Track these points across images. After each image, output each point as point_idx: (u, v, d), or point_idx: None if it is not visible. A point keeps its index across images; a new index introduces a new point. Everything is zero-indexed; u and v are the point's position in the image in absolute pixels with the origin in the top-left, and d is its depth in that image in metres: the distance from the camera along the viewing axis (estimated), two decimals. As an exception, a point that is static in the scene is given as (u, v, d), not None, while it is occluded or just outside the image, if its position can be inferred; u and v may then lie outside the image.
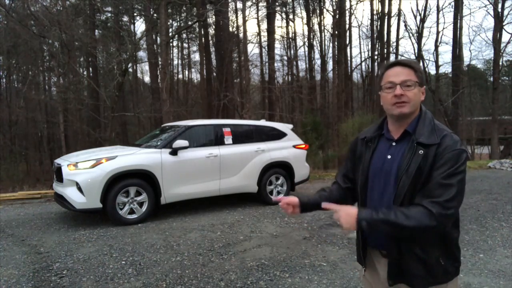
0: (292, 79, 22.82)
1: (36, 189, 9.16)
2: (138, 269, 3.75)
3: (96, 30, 18.97)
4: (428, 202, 1.35)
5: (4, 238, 4.91)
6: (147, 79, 25.79)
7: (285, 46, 24.87)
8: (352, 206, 1.48)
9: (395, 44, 21.09)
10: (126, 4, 17.20)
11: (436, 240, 1.43)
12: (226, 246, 4.47)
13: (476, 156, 21.08)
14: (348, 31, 21.25)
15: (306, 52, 22.94)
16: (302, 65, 24.70)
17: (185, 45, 26.55)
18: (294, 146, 7.23)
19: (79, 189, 5.22)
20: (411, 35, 21.35)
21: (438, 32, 20.20)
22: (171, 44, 21.58)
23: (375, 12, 21.21)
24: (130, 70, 20.05)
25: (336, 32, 19.66)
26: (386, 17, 19.87)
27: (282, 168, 6.97)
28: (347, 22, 20.74)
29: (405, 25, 33.05)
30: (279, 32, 23.98)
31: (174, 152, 5.86)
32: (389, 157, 1.51)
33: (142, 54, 21.77)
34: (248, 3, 19.82)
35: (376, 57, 21.02)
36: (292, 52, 24.15)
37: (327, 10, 21.62)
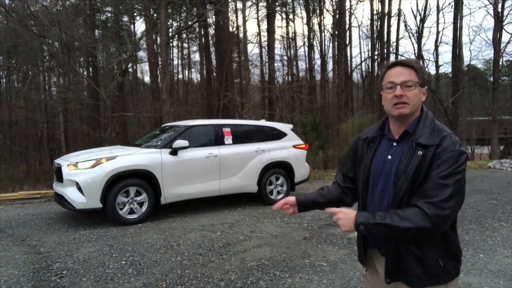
0: (292, 79, 22.83)
1: (36, 189, 9.15)
2: (138, 269, 3.75)
3: (96, 30, 18.97)
4: (423, 203, 1.35)
5: (4, 238, 4.91)
6: (147, 79, 25.83)
7: (285, 46, 24.91)
8: (351, 209, 1.49)
9: (395, 44, 21.11)
10: (126, 4, 17.21)
11: (436, 241, 1.43)
12: (226, 246, 4.47)
13: (476, 156, 21.07)
14: (348, 31, 21.26)
15: (306, 52, 22.98)
16: (302, 65, 24.74)
17: (185, 45, 26.57)
18: (294, 146, 7.24)
19: (79, 189, 5.22)
20: (411, 35, 21.39)
21: (438, 32, 20.22)
22: (171, 44, 21.58)
23: (375, 12, 21.24)
24: (130, 70, 20.05)
25: (336, 32, 19.66)
26: (386, 17, 19.87)
27: (282, 168, 6.97)
28: (347, 22, 20.76)
29: (405, 25, 33.14)
30: (279, 32, 24.02)
31: (174, 152, 5.86)
32: (389, 157, 1.51)
33: (142, 54, 21.80)
34: (248, 3, 19.84)
35: (376, 57, 21.02)
36: (292, 52, 24.20)
37: (327, 10, 21.66)
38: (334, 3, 20.18)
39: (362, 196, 1.58)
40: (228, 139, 6.54)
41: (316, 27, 22.35)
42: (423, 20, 20.19)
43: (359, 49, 53.65)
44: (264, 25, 22.33)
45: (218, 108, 16.26)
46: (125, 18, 22.14)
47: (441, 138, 1.42)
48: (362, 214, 1.44)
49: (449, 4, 22.81)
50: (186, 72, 28.52)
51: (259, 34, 22.22)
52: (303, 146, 7.46)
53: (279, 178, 6.94)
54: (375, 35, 21.40)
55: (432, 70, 24.70)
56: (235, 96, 15.76)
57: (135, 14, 21.61)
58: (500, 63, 20.36)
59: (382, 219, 1.37)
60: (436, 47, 20.37)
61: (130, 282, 3.45)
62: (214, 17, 17.20)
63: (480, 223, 5.37)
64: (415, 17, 28.86)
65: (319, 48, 22.25)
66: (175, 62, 25.59)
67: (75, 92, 15.19)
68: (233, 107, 16.10)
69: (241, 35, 18.85)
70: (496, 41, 18.02)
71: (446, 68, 29.72)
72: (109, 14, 19.91)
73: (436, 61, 20.48)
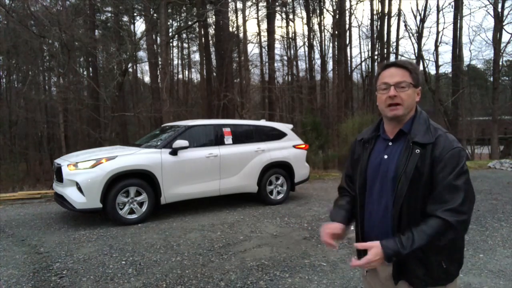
0: (292, 79, 22.82)
1: (36, 189, 9.15)
2: (138, 269, 3.75)
3: (96, 30, 18.97)
4: (443, 212, 1.36)
5: (4, 238, 4.91)
6: (147, 79, 25.82)
7: (285, 46, 24.91)
8: (374, 244, 1.42)
9: (395, 44, 21.11)
10: (126, 4, 17.20)
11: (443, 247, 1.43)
12: (226, 246, 4.47)
13: (476, 156, 21.07)
14: (348, 31, 21.26)
15: (306, 52, 22.97)
16: (302, 65, 24.74)
17: (185, 45, 26.59)
18: (294, 146, 7.23)
19: (79, 189, 5.22)
20: (411, 35, 21.40)
21: (438, 32, 20.21)
22: (171, 44, 21.59)
23: (375, 12, 21.23)
24: (130, 70, 20.06)
25: (336, 32, 19.67)
26: (386, 17, 19.87)
27: (282, 168, 6.97)
28: (347, 22, 20.75)
29: (405, 25, 33.07)
30: (279, 32, 24.00)
31: (174, 152, 5.86)
32: (385, 157, 1.52)
33: (142, 54, 21.81)
34: (248, 3, 19.83)
35: (376, 57, 21.01)
36: (292, 52, 24.19)
37: (327, 10, 21.65)
38: (334, 3, 20.20)
39: (360, 197, 1.58)
40: (228, 139, 6.54)
41: (316, 27, 22.37)
42: (423, 20, 20.21)
43: (359, 49, 53.70)
44: (264, 25, 22.35)
45: (218, 108, 16.26)
46: (125, 18, 22.15)
47: (437, 136, 1.43)
48: (389, 245, 1.37)
49: (449, 4, 22.82)
50: (186, 72, 28.57)
51: (259, 34, 22.23)
52: (303, 146, 7.46)
53: (279, 178, 6.94)
54: (375, 35, 21.40)
55: (432, 70, 24.75)
56: (235, 96, 15.76)
57: (135, 14, 21.63)
58: (500, 63, 20.39)
59: (411, 246, 1.35)
60: (436, 47, 20.39)
61: (130, 282, 3.45)
62: (214, 17, 17.20)
63: (480, 223, 5.37)
64: (415, 17, 28.86)
65: (319, 48, 22.28)
66: (175, 62, 25.64)
67: (75, 92, 15.21)
68: (233, 107, 16.09)
69: (241, 35, 18.88)
70: (496, 41, 18.02)
71: (446, 68, 29.73)
72: (109, 14, 19.92)
73: (436, 61, 20.49)
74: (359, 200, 1.59)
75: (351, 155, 1.71)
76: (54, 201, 6.22)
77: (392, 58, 20.05)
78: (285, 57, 24.31)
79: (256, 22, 25.14)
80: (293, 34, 24.32)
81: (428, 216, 1.40)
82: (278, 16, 22.52)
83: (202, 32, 19.04)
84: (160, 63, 14.48)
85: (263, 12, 21.50)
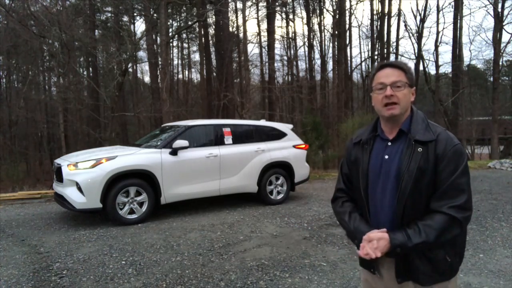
0: (292, 79, 22.82)
1: (36, 189, 9.15)
2: (138, 269, 3.75)
3: (96, 30, 18.97)
4: (449, 208, 1.39)
5: (4, 238, 4.91)
6: (147, 79, 25.83)
7: (285, 46, 24.92)
8: (374, 231, 1.43)
9: (395, 44, 21.13)
10: (126, 4, 17.21)
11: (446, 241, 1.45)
12: (226, 246, 4.47)
13: (476, 156, 21.07)
14: (348, 31, 21.26)
15: (306, 52, 22.98)
16: (302, 65, 24.75)
17: (185, 45, 26.59)
18: (294, 146, 7.24)
19: (79, 189, 5.22)
20: (411, 35, 21.42)
21: (438, 32, 20.23)
22: (171, 44, 21.59)
23: (375, 12, 21.25)
24: (130, 70, 20.06)
25: (336, 32, 19.67)
26: (386, 17, 19.88)
27: (282, 168, 6.97)
28: (347, 22, 20.76)
29: (405, 25, 33.13)
30: (279, 32, 24.02)
31: (174, 152, 5.86)
32: (386, 157, 1.52)
33: (142, 54, 21.80)
34: (248, 3, 19.84)
35: (376, 57, 21.02)
36: (292, 52, 24.19)
37: (327, 10, 21.66)
38: (334, 3, 20.21)
39: (364, 198, 1.58)
40: (228, 139, 6.54)
41: (316, 27, 22.38)
42: (423, 20, 20.23)
43: (359, 49, 53.73)
44: (264, 25, 22.36)
45: (218, 108, 16.26)
46: (125, 18, 22.16)
47: (438, 134, 1.45)
48: (396, 236, 1.40)
49: (449, 4, 22.85)
50: (186, 72, 28.57)
51: (259, 34, 22.24)
52: (303, 146, 7.46)
53: (279, 178, 6.94)
54: (375, 35, 21.41)
55: (432, 70, 24.79)
56: (235, 96, 15.76)
57: (135, 14, 21.63)
58: (500, 63, 20.38)
59: (418, 239, 1.37)
60: (436, 47, 20.39)
61: (130, 282, 3.45)
62: (214, 17, 17.21)
63: (480, 223, 5.37)
64: (415, 17, 28.93)
65: (319, 48, 22.29)
66: (175, 62, 25.65)
67: (75, 92, 15.20)
68: (233, 107, 16.10)
69: (241, 35, 18.88)
70: (496, 41, 18.03)
71: (446, 68, 29.75)
72: (109, 14, 19.93)
73: (436, 61, 20.49)
74: (364, 202, 1.58)
75: (347, 157, 1.70)
76: (54, 201, 6.23)
77: (392, 58, 20.06)
78: (285, 57, 24.35)
79: (256, 22, 25.16)
80: (293, 34, 24.36)
81: (433, 212, 1.41)
82: (278, 16, 22.56)
83: (202, 32, 19.04)
84: (160, 63, 14.48)
85: (263, 12, 21.53)
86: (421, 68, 21.01)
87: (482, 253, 4.15)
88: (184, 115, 16.58)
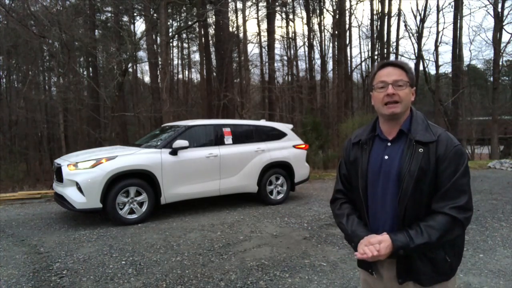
0: (292, 79, 22.82)
1: (36, 189, 9.15)
2: (138, 269, 3.75)
3: (96, 30, 18.98)
4: (450, 209, 1.39)
5: (4, 238, 4.91)
6: (147, 79, 25.82)
7: (285, 46, 24.92)
8: (373, 235, 1.43)
9: (395, 44, 21.13)
10: (126, 4, 17.19)
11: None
12: (226, 246, 4.47)
13: (476, 156, 21.06)
14: (348, 31, 21.27)
15: (306, 52, 22.98)
16: (302, 65, 24.76)
17: (185, 45, 26.59)
18: (294, 146, 7.24)
19: (79, 189, 5.22)
20: (411, 35, 21.42)
21: (438, 32, 20.22)
22: (171, 44, 21.58)
23: (375, 12, 21.25)
24: (130, 70, 20.05)
25: (336, 32, 19.67)
26: (386, 17, 19.88)
27: (282, 168, 6.97)
28: (347, 22, 20.76)
29: (405, 25, 33.15)
30: (279, 32, 24.03)
31: (174, 152, 5.86)
32: (386, 157, 1.51)
33: (142, 54, 21.79)
34: (248, 3, 19.85)
35: (376, 57, 21.02)
36: (292, 52, 24.20)
37: (327, 10, 21.66)
38: (334, 3, 20.20)
39: (364, 199, 1.57)
40: (228, 139, 6.54)
41: (316, 27, 22.38)
42: (423, 20, 20.22)
43: (359, 49, 53.73)
44: (264, 25, 22.37)
45: (218, 108, 16.26)
46: (125, 18, 22.14)
47: (438, 135, 1.45)
48: (398, 237, 1.39)
49: (449, 4, 22.83)
50: (186, 72, 28.57)
51: (259, 34, 22.24)
52: (303, 146, 7.46)
53: (279, 178, 6.94)
54: (375, 35, 21.41)
55: (432, 70, 24.79)
56: (235, 96, 15.76)
57: (135, 14, 21.62)
58: (500, 63, 20.37)
59: (420, 239, 1.37)
60: (436, 47, 20.39)
61: (130, 282, 3.45)
62: (214, 17, 17.21)
63: (480, 223, 5.37)
64: (415, 17, 28.94)
65: (319, 48, 22.29)
66: (175, 62, 25.65)
67: (75, 92, 15.19)
68: (233, 107, 16.10)
69: (241, 35, 18.89)
70: (496, 41, 18.03)
71: (446, 68, 29.75)
72: (109, 14, 19.90)
73: (436, 61, 20.49)
74: (363, 202, 1.57)
75: (345, 157, 1.69)
76: (54, 201, 6.23)
77: (392, 58, 20.05)
78: (285, 57, 24.35)
79: (256, 22, 25.17)
80: (293, 34, 24.37)
81: (434, 213, 1.41)
82: (278, 16, 22.57)
83: (202, 32, 19.05)
84: (160, 63, 14.48)
85: (263, 12, 21.54)
86: (421, 68, 21.02)
87: (482, 253, 4.15)
88: (184, 115, 16.58)
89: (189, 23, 20.49)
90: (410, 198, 1.43)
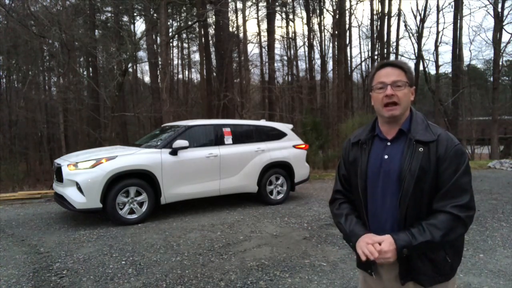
0: (292, 79, 22.83)
1: (36, 189, 9.15)
2: (138, 269, 3.75)
3: (96, 30, 18.97)
4: (452, 207, 1.39)
5: (4, 238, 4.91)
6: (147, 79, 25.85)
7: (285, 46, 24.93)
8: (373, 235, 1.43)
9: (395, 44, 21.13)
10: (126, 4, 17.19)
11: None
12: (226, 246, 4.47)
13: (476, 156, 21.06)
14: (348, 31, 21.27)
15: (306, 52, 22.99)
16: (302, 65, 24.77)
17: (185, 45, 26.59)
18: (294, 146, 7.24)
19: (79, 189, 5.22)
20: (411, 35, 21.42)
21: (438, 32, 20.24)
22: (171, 44, 21.58)
23: (375, 12, 21.25)
24: (130, 70, 20.06)
25: (336, 32, 19.66)
26: (386, 17, 19.89)
27: (282, 168, 6.97)
28: (347, 22, 20.76)
29: (405, 25, 33.18)
30: (279, 32, 24.11)
31: (174, 152, 5.86)
32: (386, 157, 1.51)
33: (142, 54, 21.80)
34: (248, 3, 19.86)
35: (376, 57, 21.02)
36: (292, 52, 24.20)
37: (327, 10, 21.66)
38: (334, 3, 20.19)
39: (363, 199, 1.57)
40: (228, 139, 6.54)
41: (316, 27, 22.39)
42: (423, 20, 20.22)
43: (359, 49, 53.79)
44: (264, 25, 22.38)
45: (218, 108, 16.26)
46: (125, 18, 22.15)
47: (438, 134, 1.45)
48: (400, 237, 1.39)
49: (449, 4, 22.86)
50: (186, 72, 28.58)
51: (259, 34, 22.25)
52: (303, 146, 7.46)
53: (279, 178, 6.94)
54: (375, 35, 21.41)
55: (432, 70, 24.78)
56: (235, 96, 15.76)
57: (135, 14, 21.61)
58: (500, 63, 20.37)
59: (423, 237, 1.37)
60: (436, 47, 20.41)
61: (130, 282, 3.45)
62: (214, 17, 17.19)
63: (480, 223, 5.37)
64: (415, 17, 28.96)
65: (319, 48, 22.29)
66: (175, 62, 25.65)
67: (75, 92, 15.21)
68: (233, 107, 16.10)
69: (241, 35, 18.89)
70: (496, 41, 18.03)
71: (446, 68, 29.79)
72: (109, 14, 19.91)
73: (436, 61, 20.50)
74: (362, 202, 1.57)
75: (345, 157, 1.69)
76: (54, 201, 6.23)
77: (392, 58, 20.05)
78: (285, 57, 24.36)
79: (256, 22, 25.19)
80: (293, 34, 24.38)
81: (436, 212, 1.41)
82: (278, 16, 22.57)
83: (202, 32, 19.04)
84: (160, 63, 14.48)
85: (263, 12, 21.55)
86: (421, 68, 21.02)
87: (482, 253, 4.15)
88: (184, 115, 16.57)
89: (189, 23, 20.49)
90: (411, 198, 1.42)
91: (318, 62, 23.18)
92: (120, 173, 5.39)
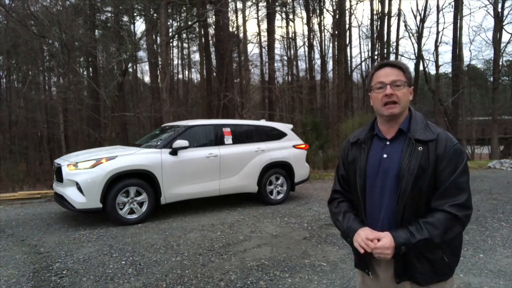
0: (292, 79, 22.82)
1: (36, 189, 9.15)
2: (138, 269, 3.75)
3: (96, 30, 18.97)
4: (449, 206, 1.39)
5: (4, 238, 4.91)
6: (147, 79, 25.84)
7: (285, 46, 24.92)
8: (371, 231, 1.44)
9: (395, 44, 21.13)
10: (126, 4, 17.19)
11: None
12: (226, 246, 4.47)
13: (476, 156, 21.06)
14: (348, 31, 21.27)
15: (306, 52, 23.00)
16: (302, 65, 24.77)
17: (185, 45, 26.59)
18: (294, 146, 7.24)
19: (79, 189, 5.22)
20: (411, 35, 21.41)
21: (438, 32, 20.23)
22: (171, 44, 21.58)
23: (375, 12, 21.25)
24: (130, 70, 20.06)
25: (336, 32, 19.67)
26: (386, 17, 19.89)
27: (282, 168, 6.97)
28: (347, 22, 20.77)
29: (405, 25, 33.17)
30: (279, 32, 24.15)
31: (174, 152, 5.86)
32: (385, 156, 1.52)
33: (142, 54, 21.81)
34: (248, 3, 19.85)
35: (376, 57, 21.02)
36: (292, 52, 24.20)
37: (327, 10, 21.67)
38: (334, 3, 20.20)
39: (361, 197, 1.57)
40: (228, 139, 6.54)
41: (316, 27, 22.40)
42: (423, 20, 20.22)
43: (359, 49, 53.81)
44: (264, 25, 22.38)
45: (218, 108, 16.27)
46: (125, 18, 22.15)
47: (437, 134, 1.46)
48: (399, 234, 1.40)
49: (449, 4, 22.85)
50: (186, 72, 28.57)
51: (259, 34, 22.25)
52: (303, 146, 7.46)
53: (279, 178, 6.94)
54: (375, 35, 21.41)
55: (432, 70, 24.77)
56: (235, 96, 15.76)
57: (135, 14, 21.61)
58: (500, 63, 20.36)
59: (421, 235, 1.38)
60: (436, 47, 20.40)
61: (130, 282, 3.45)
62: (214, 17, 17.20)
63: (480, 223, 5.37)
64: (415, 17, 28.96)
65: (319, 48, 22.30)
66: (175, 62, 25.65)
67: (75, 92, 15.20)
68: (233, 107, 16.10)
69: (241, 35, 18.89)
70: (496, 41, 18.02)
71: (446, 68, 29.77)
72: (109, 14, 19.91)
73: (436, 61, 20.50)
74: (361, 201, 1.58)
75: (344, 157, 1.69)
76: (54, 201, 6.23)
77: (392, 58, 20.05)
78: (285, 57, 24.36)
79: (256, 22, 25.19)
80: (293, 34, 24.37)
81: (434, 211, 1.42)
82: (278, 16, 22.57)
83: (202, 32, 19.04)
84: (160, 63, 14.48)
85: (263, 12, 21.55)
86: (421, 68, 21.02)
87: (482, 253, 4.15)
88: (184, 115, 16.56)
89: (189, 23, 20.49)
90: (409, 197, 1.43)
91: (318, 62, 23.23)
92: (120, 173, 5.39)
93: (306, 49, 22.85)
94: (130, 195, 5.49)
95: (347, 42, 21.24)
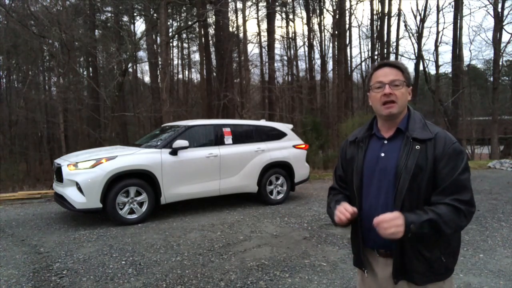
0: (292, 79, 22.82)
1: (36, 189, 9.15)
2: (138, 269, 3.75)
3: (96, 30, 18.97)
4: (452, 200, 1.39)
5: (4, 238, 4.91)
6: (147, 79, 25.83)
7: (285, 46, 24.93)
8: (394, 213, 1.41)
9: (395, 44, 21.12)
10: (126, 4, 17.20)
11: (441, 239, 1.45)
12: (226, 246, 4.47)
13: (476, 156, 21.05)
14: (348, 31, 21.27)
15: (306, 52, 23.00)
16: (302, 65, 24.76)
17: (185, 45, 26.59)
18: (294, 146, 7.24)
19: (79, 189, 5.22)
20: (411, 35, 21.40)
21: (438, 32, 20.22)
22: (171, 44, 21.58)
23: (375, 12, 21.25)
24: (130, 70, 20.05)
25: (336, 32, 19.66)
26: (386, 17, 19.88)
27: (282, 168, 6.97)
28: (347, 22, 20.76)
29: (405, 25, 33.14)
30: (279, 32, 24.16)
31: (174, 152, 5.86)
32: (382, 154, 1.53)
33: (142, 54, 21.81)
34: (248, 3, 19.86)
35: (376, 57, 21.02)
36: (292, 52, 24.20)
37: (327, 10, 21.66)
38: (334, 3, 20.19)
39: (357, 196, 1.58)
40: (228, 139, 6.54)
41: (316, 27, 22.40)
42: (423, 20, 20.21)
43: (359, 49, 53.77)
44: (264, 25, 22.38)
45: (218, 108, 16.26)
46: (125, 18, 22.16)
47: (436, 133, 1.47)
48: (407, 215, 1.37)
49: (449, 4, 22.85)
50: (186, 72, 28.57)
51: (259, 34, 22.25)
52: (303, 146, 7.46)
53: (279, 178, 6.94)
54: (375, 35, 21.41)
55: (432, 70, 24.75)
56: (235, 96, 15.76)
57: (135, 14, 21.63)
58: (500, 63, 20.36)
59: (428, 216, 1.36)
60: (436, 47, 20.39)
61: (130, 282, 3.45)
62: (214, 17, 17.20)
63: (480, 223, 5.37)
64: (415, 17, 28.95)
65: (319, 48, 22.30)
66: (175, 62, 25.64)
67: (75, 92, 15.20)
68: (233, 107, 16.10)
69: (241, 35, 18.89)
70: (496, 41, 18.02)
71: (446, 68, 29.73)
72: (109, 14, 19.92)
73: (436, 61, 20.49)
74: (357, 199, 1.58)
75: (342, 156, 1.71)
76: (54, 201, 6.22)
77: (392, 58, 20.05)
78: (285, 57, 24.35)
79: (256, 22, 25.19)
80: (293, 34, 24.38)
81: (436, 204, 1.41)
82: (278, 16, 22.58)
83: (202, 32, 19.04)
84: (160, 63, 14.48)
85: (263, 12, 21.56)
86: (421, 68, 21.02)
87: (482, 253, 4.15)
88: (184, 115, 16.57)
89: (189, 23, 20.50)
90: (406, 195, 1.43)
91: (318, 62, 23.22)
92: (120, 173, 5.39)
93: (306, 49, 22.89)
94: (130, 195, 5.49)
95: (347, 42, 21.24)
